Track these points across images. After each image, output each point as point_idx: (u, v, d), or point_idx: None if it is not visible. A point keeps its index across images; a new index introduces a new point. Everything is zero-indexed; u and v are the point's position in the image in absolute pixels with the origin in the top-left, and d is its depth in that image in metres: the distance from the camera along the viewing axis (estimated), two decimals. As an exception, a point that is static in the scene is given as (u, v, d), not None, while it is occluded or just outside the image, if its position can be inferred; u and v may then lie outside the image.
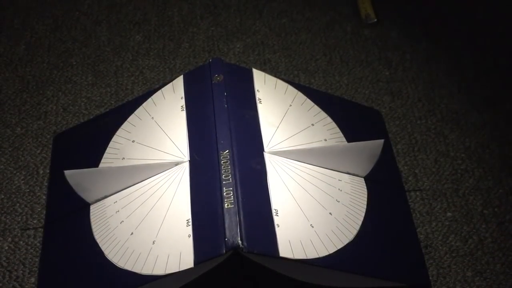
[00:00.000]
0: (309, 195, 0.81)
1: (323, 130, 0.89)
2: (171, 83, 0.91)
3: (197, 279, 0.76)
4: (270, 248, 0.73)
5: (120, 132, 0.90)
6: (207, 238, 0.73)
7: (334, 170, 0.85)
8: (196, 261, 0.72)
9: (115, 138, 0.89)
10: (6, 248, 0.87)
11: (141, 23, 1.19)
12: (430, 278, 0.84)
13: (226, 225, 0.73)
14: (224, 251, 0.71)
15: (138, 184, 0.83)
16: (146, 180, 0.83)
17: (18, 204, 0.92)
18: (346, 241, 0.78)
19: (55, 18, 1.19)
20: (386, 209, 0.87)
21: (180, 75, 0.92)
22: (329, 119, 0.91)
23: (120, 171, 0.83)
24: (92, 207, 0.83)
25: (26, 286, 0.84)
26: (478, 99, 1.07)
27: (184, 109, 0.87)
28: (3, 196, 0.93)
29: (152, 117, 0.89)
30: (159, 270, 0.74)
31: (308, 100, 0.93)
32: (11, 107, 1.04)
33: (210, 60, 0.90)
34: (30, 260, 0.86)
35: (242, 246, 0.71)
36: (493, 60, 1.13)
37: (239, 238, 0.72)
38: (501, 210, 0.92)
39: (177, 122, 0.86)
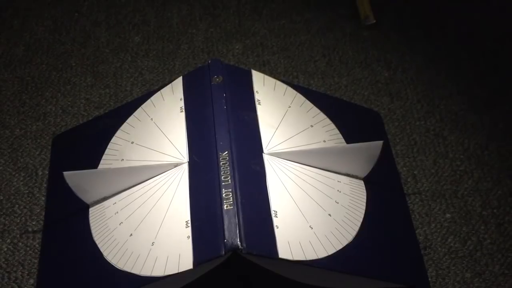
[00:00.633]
0: (308, 196, 0.81)
1: (322, 132, 0.89)
2: (170, 85, 0.91)
3: (196, 280, 0.76)
4: (269, 249, 0.73)
5: (119, 133, 0.90)
6: (206, 240, 0.73)
7: (333, 172, 0.85)
8: (195, 263, 0.72)
9: (114, 139, 0.89)
10: (5, 249, 0.87)
11: (140, 24, 1.19)
12: (429, 279, 0.84)
13: (225, 226, 0.73)
14: (223, 252, 0.71)
15: (137, 185, 0.83)
16: (145, 182, 0.82)
17: (17, 206, 0.92)
18: (345, 242, 0.78)
19: (54, 20, 1.19)
20: (385, 210, 0.87)
21: (179, 76, 0.92)
22: (328, 121, 0.91)
23: (119, 173, 0.83)
24: (91, 209, 0.83)
25: (25, 288, 0.84)
26: (477, 100, 1.07)
27: (183, 110, 0.87)
28: (2, 198, 0.93)
29: (151, 119, 0.89)
30: (158, 272, 0.74)
31: (307, 102, 0.93)
32: (10, 108, 1.04)
33: (209, 61, 0.90)
34: (29, 261, 0.86)
35: (241, 248, 0.71)
36: (492, 61, 1.13)
37: (238, 240, 0.72)
38: (500, 211, 0.92)
39: (176, 124, 0.86)
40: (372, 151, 0.84)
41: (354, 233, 0.80)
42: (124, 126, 0.90)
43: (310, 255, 0.75)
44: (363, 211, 0.83)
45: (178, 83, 0.91)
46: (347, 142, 0.89)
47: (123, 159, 0.86)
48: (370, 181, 0.86)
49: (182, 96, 0.89)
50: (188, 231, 0.75)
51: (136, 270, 0.75)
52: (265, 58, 1.13)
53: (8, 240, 0.88)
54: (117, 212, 0.81)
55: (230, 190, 0.76)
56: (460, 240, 0.89)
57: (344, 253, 0.77)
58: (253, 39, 1.16)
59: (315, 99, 0.93)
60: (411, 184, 0.95)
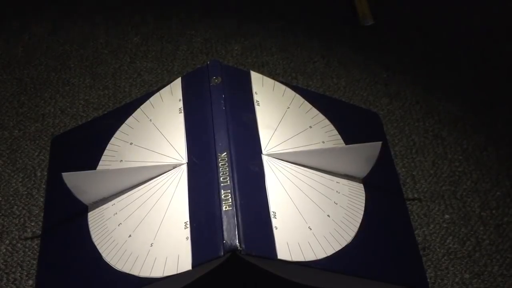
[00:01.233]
0: (307, 197, 0.81)
1: (321, 133, 0.89)
2: (169, 86, 0.91)
3: (195, 281, 0.76)
4: (268, 250, 0.73)
5: (118, 134, 0.90)
6: (205, 241, 0.73)
7: (332, 172, 0.85)
8: (194, 264, 0.72)
9: (113, 140, 0.89)
10: (4, 250, 0.87)
11: (139, 25, 1.19)
12: (428, 280, 0.84)
13: (224, 228, 0.73)
14: (222, 253, 0.71)
15: (136, 186, 0.83)
16: (144, 183, 0.82)
17: (16, 207, 0.92)
18: (344, 243, 0.78)
19: (53, 21, 1.19)
20: (384, 211, 0.87)
21: (178, 77, 0.92)
22: (327, 122, 0.91)
23: (118, 174, 0.83)
24: (90, 210, 0.83)
25: (24, 289, 0.84)
26: (476, 101, 1.07)
27: (182, 111, 0.87)
28: (0, 199, 0.93)
29: (150, 120, 0.89)
30: (157, 273, 0.74)
31: (306, 103, 0.93)
32: (9, 109, 1.04)
33: (208, 63, 0.90)
34: (28, 262, 0.86)
35: (240, 249, 0.71)
36: (490, 62, 1.13)
37: (237, 241, 0.72)
38: (499, 212, 0.92)
39: (175, 125, 0.86)
40: (371, 152, 0.84)
41: (353, 234, 0.80)
42: (123, 127, 0.90)
43: (309, 256, 0.75)
44: (362, 212, 0.83)
45: (177, 84, 0.91)
46: (346, 143, 0.89)
47: (122, 160, 0.86)
48: (369, 182, 0.86)
49: (181, 97, 0.89)
50: (187, 232, 0.75)
51: (135, 271, 0.75)
52: (264, 59, 1.13)
53: (7, 241, 0.88)
54: (116, 213, 0.81)
55: (229, 191, 0.76)
56: (459, 241, 0.89)
57: (343, 254, 0.77)
58: (252, 40, 1.16)
59: (314, 100, 0.93)
60: (410, 185, 0.95)
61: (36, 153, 0.98)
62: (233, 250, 0.71)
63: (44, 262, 0.84)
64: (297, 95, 0.93)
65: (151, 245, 0.76)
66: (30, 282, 0.84)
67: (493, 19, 1.21)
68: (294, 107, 0.91)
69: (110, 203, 0.83)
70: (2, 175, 0.96)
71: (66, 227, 0.84)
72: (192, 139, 0.84)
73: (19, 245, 0.88)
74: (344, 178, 0.85)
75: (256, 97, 0.89)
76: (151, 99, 0.91)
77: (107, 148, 0.88)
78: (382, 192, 0.88)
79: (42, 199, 0.92)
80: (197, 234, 0.74)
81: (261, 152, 0.82)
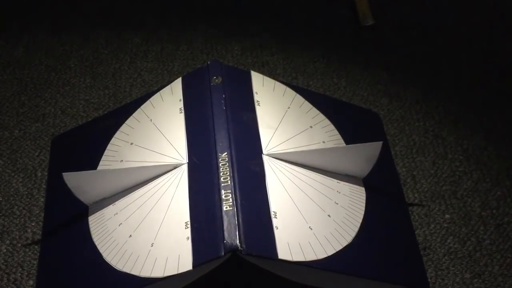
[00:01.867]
0: (308, 197, 0.81)
1: (321, 132, 0.89)
2: (169, 86, 0.91)
3: (196, 281, 0.75)
4: (269, 250, 0.73)
5: (118, 134, 0.90)
6: (205, 241, 0.73)
7: (333, 172, 0.85)
8: (194, 264, 0.72)
9: (113, 140, 0.89)
10: (4, 250, 0.87)
11: (139, 25, 1.19)
12: (429, 280, 0.84)
13: (225, 227, 0.73)
14: (223, 253, 0.71)
15: (137, 186, 0.83)
16: (144, 183, 0.82)
17: (16, 207, 0.92)
18: (344, 243, 0.78)
19: (53, 21, 1.19)
20: (384, 211, 0.87)
21: (179, 77, 0.92)
22: (327, 121, 0.91)
23: (118, 174, 0.83)
24: (90, 210, 0.83)
25: (25, 289, 0.84)
26: (476, 101, 1.07)
27: (183, 111, 0.87)
28: (1, 199, 0.93)
29: (151, 120, 0.89)
30: (157, 273, 0.74)
31: (307, 103, 0.93)
32: (9, 110, 1.04)
33: (209, 62, 0.90)
34: (29, 262, 0.86)
35: (241, 248, 0.71)
36: (490, 62, 1.13)
37: (237, 241, 0.72)
38: (499, 212, 0.92)
39: (175, 125, 0.86)
40: (371, 152, 0.84)
41: (353, 234, 0.80)
42: (123, 127, 0.90)
43: (310, 256, 0.75)
44: (363, 212, 0.83)
45: (177, 84, 0.91)
46: (347, 143, 0.89)
47: (122, 160, 0.86)
48: (369, 182, 0.86)
49: (181, 97, 0.89)
50: (188, 232, 0.75)
51: (135, 271, 0.75)
52: (264, 59, 1.13)
53: (8, 241, 0.88)
54: (117, 213, 0.81)
55: (230, 191, 0.76)
56: (459, 240, 0.89)
57: (343, 254, 0.77)
58: (252, 40, 1.16)
59: (314, 100, 0.93)
60: (410, 185, 0.95)
61: (37, 153, 0.98)
62: (233, 250, 0.71)
63: (45, 263, 0.84)
64: (298, 95, 0.93)
65: (152, 245, 0.76)
66: (31, 282, 0.84)
67: (493, 18, 1.21)
68: (295, 107, 0.91)
69: (110, 203, 0.83)
70: (2, 175, 0.96)
71: (67, 227, 0.84)
72: (192, 139, 0.84)
73: (19, 245, 0.88)
74: (345, 178, 0.85)
75: (256, 97, 0.89)
76: (152, 99, 0.91)
77: (107, 148, 0.88)
78: (383, 192, 0.88)
79: (42, 199, 0.92)
80: (197, 234, 0.74)
81: (261, 152, 0.82)
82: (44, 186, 0.94)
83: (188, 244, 0.74)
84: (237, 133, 0.82)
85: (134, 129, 0.89)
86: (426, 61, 1.13)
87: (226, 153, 0.80)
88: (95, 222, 0.82)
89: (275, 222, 0.76)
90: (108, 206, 0.83)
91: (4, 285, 0.84)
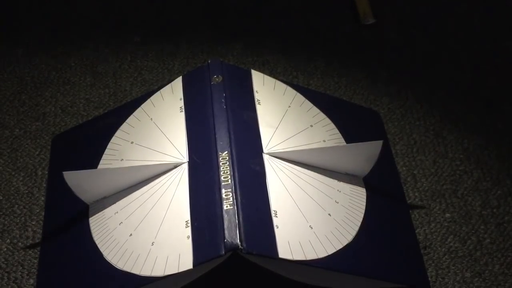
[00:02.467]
0: (308, 196, 0.81)
1: (322, 131, 0.89)
2: (169, 84, 0.91)
3: (196, 280, 0.76)
4: (269, 249, 0.73)
5: (118, 133, 0.90)
6: (206, 239, 0.73)
7: (333, 171, 0.85)
8: (195, 262, 0.72)
9: (114, 139, 0.89)
10: (5, 249, 0.87)
11: (140, 24, 1.19)
12: (429, 279, 0.84)
13: (225, 226, 0.73)
14: (223, 252, 0.71)
15: (137, 185, 0.83)
16: (145, 182, 0.82)
17: (16, 206, 0.92)
18: (345, 242, 0.78)
19: (53, 19, 1.19)
20: (385, 210, 0.87)
21: (179, 76, 0.92)
22: (328, 120, 0.91)
23: (119, 172, 0.83)
24: (91, 208, 0.83)
25: (25, 288, 0.84)
26: (477, 100, 1.07)
27: (183, 110, 0.87)
28: (1, 198, 0.93)
29: (151, 118, 0.89)
30: (158, 272, 0.74)
31: (307, 101, 0.93)
32: (10, 109, 1.04)
33: (209, 61, 0.90)
34: (29, 261, 0.86)
35: (241, 247, 0.71)
36: (491, 61, 1.13)
37: (238, 239, 0.72)
38: (500, 211, 0.92)
39: (176, 123, 0.86)
40: (372, 151, 0.84)
41: (354, 233, 0.80)
42: (124, 126, 0.90)
43: (310, 255, 0.75)
44: (363, 211, 0.83)
45: (178, 83, 0.91)
46: (347, 142, 0.89)
47: (122, 159, 0.86)
48: (370, 181, 0.86)
49: (181, 96, 0.89)
50: (188, 231, 0.75)
51: (136, 270, 0.75)
52: (265, 58, 1.13)
53: (8, 240, 0.88)
54: (117, 212, 0.81)
55: (230, 190, 0.76)
56: (460, 239, 0.89)
57: (344, 253, 0.77)
58: (252, 39, 1.16)
59: (314, 98, 0.93)
60: (410, 184, 0.95)
61: (37, 152, 0.98)
62: (234, 249, 0.71)
63: (45, 261, 0.84)
64: (298, 94, 0.93)
65: (152, 244, 0.76)
66: (31, 281, 0.84)
67: (494, 17, 1.21)
68: (295, 106, 0.91)
69: (111, 202, 0.83)
70: (3, 174, 0.96)
71: (67, 226, 0.84)
72: (193, 138, 0.84)
73: (20, 244, 0.88)
74: (345, 177, 0.85)
75: (257, 96, 0.88)
76: (152, 98, 0.91)
77: (108, 147, 0.88)
78: (383, 191, 0.88)
79: (43, 198, 0.92)
80: (198, 233, 0.74)
81: (262, 151, 0.82)
82: (45, 185, 0.94)
83: (189, 243, 0.74)
84: (237, 132, 0.82)
85: (135, 128, 0.89)
86: (427, 60, 1.13)
87: (226, 152, 0.80)
88: (95, 221, 0.82)
89: (275, 221, 0.76)
90: (109, 205, 0.83)
91: (5, 284, 0.84)
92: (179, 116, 0.87)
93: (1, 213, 0.91)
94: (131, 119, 0.90)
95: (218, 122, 0.83)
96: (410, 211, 0.91)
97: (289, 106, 0.90)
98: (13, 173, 0.96)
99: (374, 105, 1.06)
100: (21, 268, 0.85)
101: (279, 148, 0.84)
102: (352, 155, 0.85)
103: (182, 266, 0.73)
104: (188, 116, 0.86)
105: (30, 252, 0.87)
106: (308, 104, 0.92)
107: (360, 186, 0.85)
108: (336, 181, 0.84)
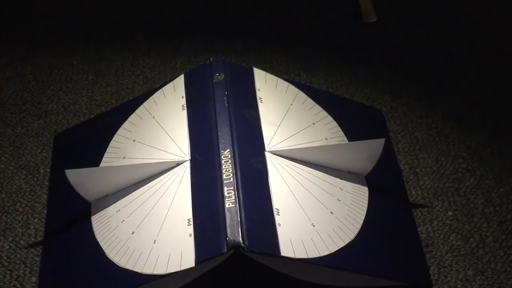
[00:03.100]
0: (310, 194, 0.81)
1: (324, 129, 0.89)
2: (172, 82, 0.91)
3: (198, 278, 0.76)
4: (272, 247, 0.73)
5: (121, 131, 0.90)
6: (208, 237, 0.73)
7: (335, 169, 0.85)
8: (197, 260, 0.72)
9: (116, 137, 0.89)
10: (7, 247, 0.87)
11: (142, 22, 1.19)
12: (431, 277, 0.84)
13: (227, 224, 0.73)
14: (226, 250, 0.71)
15: (139, 183, 0.83)
16: (147, 180, 0.82)
17: (19, 204, 0.92)
18: (347, 240, 0.78)
19: (56, 17, 1.19)
20: (387, 208, 0.86)
21: (181, 74, 0.92)
22: (330, 118, 0.91)
23: (121, 170, 0.83)
24: (93, 206, 0.83)
25: (27, 286, 0.84)
26: (479, 98, 1.07)
27: (185, 108, 0.87)
28: (3, 196, 0.93)
29: (153, 116, 0.89)
30: (160, 270, 0.74)
31: (309, 99, 0.93)
32: (12, 106, 1.04)
33: (211, 59, 0.90)
34: (31, 259, 0.86)
35: (244, 245, 0.71)
36: (494, 59, 1.13)
37: (240, 237, 0.72)
38: (502, 209, 0.92)
39: (178, 121, 0.86)
40: (374, 149, 0.84)
41: (356, 231, 0.80)
42: (126, 124, 0.90)
43: (312, 253, 0.75)
44: (365, 209, 0.83)
45: (180, 81, 0.91)
46: (349, 140, 0.89)
47: (125, 157, 0.86)
48: (372, 179, 0.86)
49: (183, 94, 0.89)
50: (190, 229, 0.75)
51: (138, 268, 0.75)
52: (267, 56, 1.12)
53: (10, 238, 0.88)
54: (119, 210, 0.81)
55: (232, 188, 0.76)
56: (462, 237, 0.89)
57: (346, 251, 0.77)
58: (254, 37, 1.16)
59: (317, 97, 0.93)
60: (413, 181, 0.95)
61: (39, 150, 0.98)
62: (236, 247, 0.71)
63: (47, 259, 0.84)
64: (300, 92, 0.93)
65: (154, 242, 0.76)
66: (34, 279, 0.84)
67: (496, 15, 1.20)
68: (297, 104, 0.91)
69: (113, 200, 0.83)
70: (5, 172, 0.96)
71: (69, 224, 0.84)
72: (195, 136, 0.84)
73: (22, 242, 0.88)
74: (347, 175, 0.85)
75: (259, 94, 0.88)
76: (154, 96, 0.91)
77: (110, 145, 0.88)
78: (385, 189, 0.88)
79: (45, 196, 0.92)
80: (200, 231, 0.74)
81: (264, 149, 0.82)
82: (47, 183, 0.94)
83: (191, 241, 0.74)
84: (239, 130, 0.82)
85: (137, 126, 0.89)
86: (429, 58, 1.13)
87: (228, 150, 0.80)
88: (97, 219, 0.82)
89: (277, 219, 0.76)
90: (111, 203, 0.83)
91: (7, 282, 0.84)
92: (181, 114, 0.87)
93: (4, 211, 0.91)
94: (133, 117, 0.90)
95: (220, 120, 0.83)
96: (412, 209, 0.91)
97: (291, 104, 0.90)
98: (15, 171, 0.96)
99: (376, 103, 1.05)
100: (23, 266, 0.85)
101: (281, 146, 0.83)
102: (354, 153, 0.85)
103: (184, 264, 0.73)
104: (190, 114, 0.86)
105: (33, 250, 0.87)
106: (310, 102, 0.92)
107: (362, 184, 0.85)
108: (338, 179, 0.84)
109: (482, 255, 0.87)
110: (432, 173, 0.96)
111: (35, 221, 0.90)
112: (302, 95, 0.92)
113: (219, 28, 1.17)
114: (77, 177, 0.81)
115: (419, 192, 0.94)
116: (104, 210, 0.82)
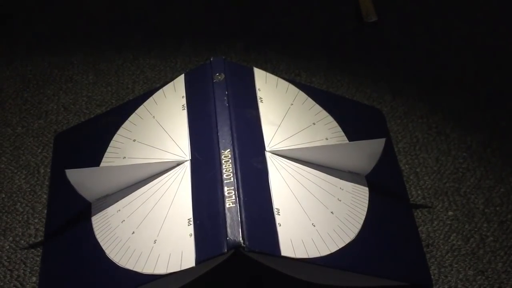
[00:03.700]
0: (311, 194, 0.81)
1: (324, 129, 0.89)
2: (172, 82, 0.91)
3: (199, 278, 0.76)
4: (272, 247, 0.73)
5: (121, 131, 0.90)
6: (208, 237, 0.73)
7: (336, 169, 0.85)
8: (197, 260, 0.72)
9: (116, 137, 0.89)
10: (7, 247, 0.87)
11: (142, 21, 1.19)
12: (432, 277, 0.84)
13: (228, 224, 0.73)
14: (226, 250, 0.71)
15: (140, 183, 0.83)
16: (147, 179, 0.82)
17: (19, 204, 0.92)
18: (347, 240, 0.78)
19: (56, 17, 1.19)
20: (387, 208, 0.86)
21: (181, 74, 0.92)
22: (330, 118, 0.91)
23: (121, 170, 0.83)
24: (93, 206, 0.83)
25: (27, 286, 0.84)
26: (480, 97, 1.07)
27: (185, 108, 0.87)
28: (4, 196, 0.93)
29: (153, 116, 0.89)
30: (160, 269, 0.74)
31: (309, 99, 0.93)
32: (12, 106, 1.04)
33: (211, 59, 0.90)
34: (31, 259, 0.86)
35: (244, 245, 0.71)
36: (494, 58, 1.13)
37: (240, 237, 0.72)
38: (503, 209, 0.92)
39: (178, 121, 0.86)
40: (374, 149, 0.84)
41: (356, 231, 0.80)
42: (126, 124, 0.90)
43: (313, 253, 0.75)
44: (366, 209, 0.83)
45: (180, 80, 0.91)
46: (350, 140, 0.89)
47: (125, 157, 0.86)
48: (372, 179, 0.86)
49: (184, 94, 0.89)
50: (191, 229, 0.75)
51: (138, 268, 0.75)
52: (267, 55, 1.12)
53: (10, 238, 0.88)
54: (119, 210, 0.81)
55: (232, 188, 0.76)
56: (462, 237, 0.89)
57: (346, 250, 0.77)
58: (255, 37, 1.16)
59: (317, 96, 0.93)
60: (413, 181, 0.95)
61: (39, 150, 0.98)
62: (236, 246, 0.71)
63: (48, 259, 0.84)
64: (301, 92, 0.93)
65: (155, 242, 0.76)
66: (34, 279, 0.84)
67: (497, 15, 1.20)
68: (298, 103, 0.91)
69: (113, 200, 0.83)
70: (5, 172, 0.96)
71: (69, 224, 0.84)
72: (195, 136, 0.84)
73: (22, 242, 0.88)
74: (348, 175, 0.85)
75: (259, 94, 0.88)
76: (154, 96, 0.91)
77: (110, 145, 0.88)
78: (386, 189, 0.88)
79: (45, 196, 0.92)
80: (200, 231, 0.74)
81: (264, 149, 0.82)
82: (47, 183, 0.94)
83: (191, 241, 0.74)
84: (240, 130, 0.82)
85: (137, 126, 0.89)
86: (429, 58, 1.13)
87: (229, 150, 0.80)
88: (98, 219, 0.82)
89: (278, 219, 0.76)
90: (111, 203, 0.83)
91: (7, 282, 0.84)
92: (181, 114, 0.87)
93: (4, 211, 0.91)
94: (133, 117, 0.90)
95: (221, 120, 0.83)
96: (413, 209, 0.91)
97: (292, 104, 0.90)
98: (15, 171, 0.96)
99: (377, 102, 1.05)
100: (23, 266, 0.85)
101: (281, 146, 0.83)
102: (355, 153, 0.85)
103: (185, 264, 0.73)
104: (190, 114, 0.86)
105: (33, 250, 0.87)
106: (311, 102, 0.92)
107: (362, 184, 0.85)
108: (338, 179, 0.84)
109: (483, 255, 0.87)
110: (433, 173, 0.96)
111: (36, 221, 0.90)
112: (302, 95, 0.92)
113: (220, 28, 1.17)
114: (77, 177, 0.81)
115: (419, 192, 0.94)
116: (105, 210, 0.82)
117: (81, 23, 1.18)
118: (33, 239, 0.88)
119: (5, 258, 0.86)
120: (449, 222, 0.91)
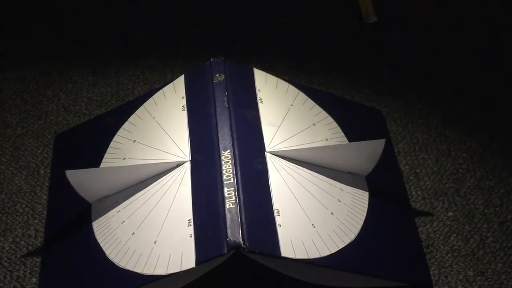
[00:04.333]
0: (311, 194, 0.81)
1: (324, 130, 0.89)
2: (172, 83, 0.91)
3: (199, 279, 0.76)
4: (272, 248, 0.73)
5: (121, 132, 0.90)
6: (208, 238, 0.73)
7: (336, 170, 0.85)
8: (197, 261, 0.72)
9: (116, 138, 0.89)
10: (7, 248, 0.87)
11: (142, 22, 1.19)
12: (432, 277, 0.84)
13: (228, 225, 0.73)
14: (226, 250, 0.71)
15: (140, 184, 0.83)
16: (147, 180, 0.82)
17: (19, 204, 0.92)
18: (347, 240, 0.78)
19: (56, 18, 1.19)
20: (387, 208, 0.86)
21: (181, 75, 0.92)
22: (330, 119, 0.91)
23: (121, 171, 0.83)
24: (93, 207, 0.83)
25: (27, 286, 0.84)
26: (480, 98, 1.07)
27: (185, 109, 0.87)
28: (4, 196, 0.93)
29: (153, 117, 0.89)
30: (160, 270, 0.74)
31: (309, 100, 0.93)
32: (12, 107, 1.04)
33: (211, 60, 0.90)
34: (31, 260, 0.86)
35: (244, 246, 0.71)
36: (494, 59, 1.13)
37: (240, 238, 0.72)
38: (503, 209, 0.92)
39: (178, 122, 0.86)
40: (374, 149, 0.84)
41: (356, 232, 0.80)
42: (126, 125, 0.90)
43: (313, 254, 0.75)
44: (366, 210, 0.83)
45: (180, 81, 0.91)
46: (349, 140, 0.89)
47: (125, 158, 0.86)
48: (372, 180, 0.86)
49: (184, 95, 0.89)
50: (191, 230, 0.75)
51: (138, 269, 0.75)
52: (267, 56, 1.12)
53: (10, 239, 0.88)
54: (119, 211, 0.81)
55: (233, 188, 0.76)
56: (462, 238, 0.89)
57: (346, 251, 0.77)
58: (255, 38, 1.16)
59: (317, 97, 0.93)
60: (413, 182, 0.95)
61: (39, 151, 0.98)
62: (236, 247, 0.71)
63: (48, 260, 0.84)
64: (301, 93, 0.93)
65: (155, 243, 0.76)
66: (34, 279, 0.84)
67: (497, 15, 1.20)
68: (298, 104, 0.91)
69: (113, 201, 0.83)
70: (5, 173, 0.96)
71: (69, 224, 0.84)
72: (195, 136, 0.84)
73: (22, 242, 0.88)
74: (348, 176, 0.85)
75: (259, 95, 0.88)
76: (154, 96, 0.91)
77: (110, 145, 0.88)
78: (386, 190, 0.88)
79: (45, 197, 0.92)
80: (200, 231, 0.74)
81: (264, 149, 0.82)
82: (47, 184, 0.94)
83: (191, 242, 0.74)
84: (239, 131, 0.82)
85: (137, 127, 0.89)
86: (429, 58, 1.13)
87: (229, 150, 0.80)
88: (98, 219, 0.82)
89: (278, 219, 0.76)
90: (111, 204, 0.83)
91: (7, 283, 0.84)
92: (181, 115, 0.87)
93: (4, 211, 0.91)
94: (133, 118, 0.90)
95: (221, 120, 0.83)
96: (413, 210, 0.91)
97: (292, 105, 0.90)
98: (15, 171, 0.96)
99: (377, 103, 1.05)
100: (23, 266, 0.85)
101: (281, 147, 0.84)
102: (355, 153, 0.85)
103: (185, 264, 0.73)
104: (190, 114, 0.86)
105: (33, 250, 0.87)
106: (311, 102, 0.92)
107: (362, 185, 0.85)
108: (338, 180, 0.84)
109: (483, 256, 0.87)
110: (433, 173, 0.96)
111: (35, 221, 0.90)
112: (302, 96, 0.93)
113: (220, 29, 1.17)
114: (77, 177, 0.81)
115: (419, 193, 0.94)
116: (105, 210, 0.82)
117: (81, 24, 1.18)
118: (33, 240, 0.88)
119: (5, 259, 0.86)
120: (449, 222, 0.91)
